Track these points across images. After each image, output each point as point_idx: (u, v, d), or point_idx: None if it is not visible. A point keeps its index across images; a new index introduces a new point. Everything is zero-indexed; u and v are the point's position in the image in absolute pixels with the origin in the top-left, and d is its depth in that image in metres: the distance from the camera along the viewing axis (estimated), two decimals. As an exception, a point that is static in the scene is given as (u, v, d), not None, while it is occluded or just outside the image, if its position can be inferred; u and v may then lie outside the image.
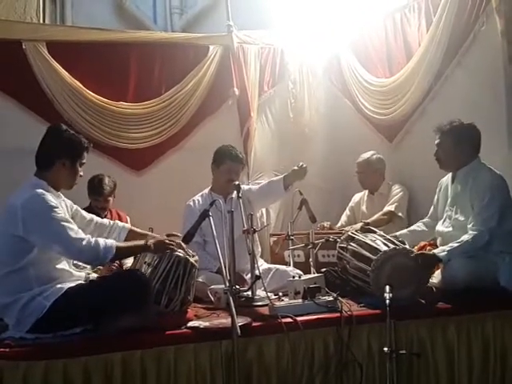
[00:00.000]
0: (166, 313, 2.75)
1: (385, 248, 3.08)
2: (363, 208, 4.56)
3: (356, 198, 4.68)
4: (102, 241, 2.63)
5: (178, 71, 4.76)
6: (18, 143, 4.10)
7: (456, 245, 3.11)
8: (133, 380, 2.51)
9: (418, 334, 2.92)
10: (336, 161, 5.08)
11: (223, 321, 2.73)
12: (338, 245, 3.46)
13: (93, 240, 2.61)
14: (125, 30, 5.22)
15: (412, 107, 4.35)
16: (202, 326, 2.66)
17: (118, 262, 3.62)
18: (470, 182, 3.28)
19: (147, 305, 2.62)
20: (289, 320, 2.73)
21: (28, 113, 4.39)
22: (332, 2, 5.05)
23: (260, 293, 3.26)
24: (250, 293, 3.18)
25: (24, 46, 4.36)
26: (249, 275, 3.47)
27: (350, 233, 3.48)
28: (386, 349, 2.57)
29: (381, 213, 4.28)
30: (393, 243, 3.14)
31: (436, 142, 3.39)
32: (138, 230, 3.16)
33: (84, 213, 2.95)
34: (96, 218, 2.99)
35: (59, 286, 2.61)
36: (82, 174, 2.81)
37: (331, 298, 2.95)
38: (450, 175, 3.47)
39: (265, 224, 4.69)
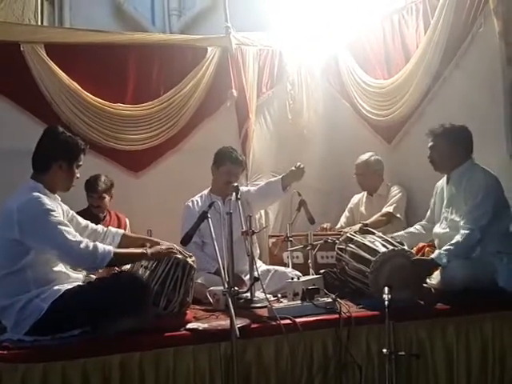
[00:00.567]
0: (165, 315, 2.74)
1: (383, 249, 3.08)
2: (362, 209, 4.56)
3: (355, 199, 4.69)
4: (100, 246, 2.63)
5: (177, 73, 4.76)
6: (16, 145, 4.09)
7: (451, 247, 3.11)
8: (131, 382, 2.50)
9: (417, 335, 2.92)
10: (334, 162, 5.09)
11: (222, 322, 2.73)
12: (336, 246, 3.47)
13: (91, 244, 2.60)
14: (123, 31, 5.21)
15: (410, 109, 4.35)
16: (200, 328, 2.66)
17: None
18: (464, 182, 3.30)
19: (146, 307, 2.62)
20: (288, 321, 2.73)
21: (26, 114, 4.38)
22: (330, 4, 5.05)
23: (259, 294, 3.26)
24: (248, 294, 3.17)
25: (22, 48, 4.36)
26: (247, 277, 3.47)
27: (348, 234, 3.48)
28: (384, 350, 2.56)
29: (379, 214, 4.29)
30: (391, 244, 3.14)
31: (429, 144, 3.42)
32: (132, 234, 3.18)
33: (79, 218, 2.94)
34: (91, 225, 2.98)
35: (57, 287, 2.61)
36: (78, 175, 2.80)
37: (330, 300, 2.95)
38: (444, 177, 3.48)
39: (263, 225, 4.69)
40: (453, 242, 3.14)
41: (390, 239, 3.24)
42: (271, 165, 5.01)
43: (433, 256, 3.15)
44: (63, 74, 4.44)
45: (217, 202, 2.93)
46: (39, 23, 5.42)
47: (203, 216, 2.77)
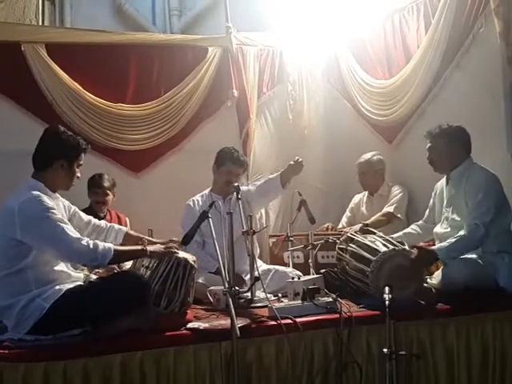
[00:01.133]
0: (166, 314, 2.75)
1: (384, 249, 3.08)
2: (363, 209, 4.56)
3: (356, 199, 4.69)
4: (100, 243, 2.63)
5: (177, 73, 4.76)
6: (17, 145, 4.08)
7: (453, 240, 3.11)
8: (132, 382, 2.50)
9: (418, 335, 2.92)
10: (335, 162, 5.08)
11: (223, 322, 2.73)
12: (337, 246, 3.47)
13: (91, 242, 2.60)
14: (124, 31, 5.22)
15: (411, 109, 4.35)
16: (201, 328, 2.66)
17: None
18: (464, 181, 3.31)
19: (147, 306, 2.62)
20: (288, 321, 2.73)
21: (27, 115, 4.38)
22: (331, 4, 5.05)
23: (259, 294, 3.27)
24: (249, 294, 3.18)
25: (23, 48, 4.36)
26: (248, 276, 3.47)
27: (349, 234, 3.48)
28: (385, 350, 2.56)
29: (380, 214, 4.29)
30: (392, 244, 3.14)
31: (427, 146, 3.43)
32: (135, 233, 3.18)
33: (82, 214, 2.95)
34: (94, 220, 2.99)
35: (58, 287, 2.61)
36: (79, 175, 2.81)
37: (330, 299, 2.95)
38: (444, 178, 3.49)
39: (264, 225, 4.69)
40: (456, 235, 3.13)
41: (390, 239, 3.24)
42: (272, 165, 5.00)
43: (434, 247, 3.14)
44: (64, 73, 4.44)
45: (217, 201, 2.93)
46: (40, 23, 5.44)
47: (204, 216, 2.78)
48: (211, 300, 3.27)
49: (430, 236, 3.53)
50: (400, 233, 3.63)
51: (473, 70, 3.88)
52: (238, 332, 2.30)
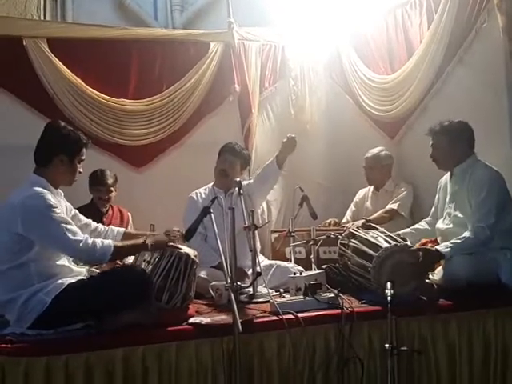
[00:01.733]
0: (167, 309, 2.75)
1: (386, 245, 3.08)
2: (367, 204, 4.55)
3: (361, 193, 4.67)
4: (98, 241, 2.64)
5: (179, 68, 4.75)
6: (19, 140, 4.08)
7: (459, 241, 3.11)
8: (134, 376, 2.51)
9: (419, 331, 2.92)
10: (337, 157, 5.08)
11: (224, 317, 2.73)
12: (339, 241, 3.46)
13: (90, 241, 2.61)
14: (125, 26, 5.21)
15: (413, 104, 4.34)
16: (203, 323, 2.66)
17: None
18: (468, 178, 3.29)
19: (148, 301, 2.63)
20: (290, 316, 2.73)
21: (29, 109, 4.39)
22: (333, -1, 5.04)
23: (261, 289, 3.27)
24: (251, 289, 3.18)
25: (25, 43, 4.35)
26: (250, 271, 3.47)
27: (351, 229, 3.48)
28: (387, 345, 2.56)
29: (383, 210, 4.27)
30: (394, 240, 3.14)
31: (430, 143, 3.41)
32: (133, 231, 3.19)
33: (81, 216, 2.95)
34: (93, 223, 2.99)
35: (60, 281, 2.62)
36: (81, 170, 2.81)
37: (332, 295, 2.95)
38: (448, 173, 3.48)
39: (266, 220, 4.69)
40: (461, 236, 3.13)
41: (392, 235, 3.24)
42: (273, 160, 5.00)
43: (438, 247, 3.14)
44: (66, 68, 4.44)
45: (219, 196, 2.93)
46: (42, 18, 5.44)
47: (205, 211, 2.77)
48: (213, 295, 3.27)
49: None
50: (408, 229, 3.63)
51: (475, 65, 3.86)
52: (240, 327, 2.30)
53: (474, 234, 3.11)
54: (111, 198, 4.19)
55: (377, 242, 3.15)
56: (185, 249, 2.88)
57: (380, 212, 4.26)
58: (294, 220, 3.64)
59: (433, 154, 3.42)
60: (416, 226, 3.66)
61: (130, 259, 3.17)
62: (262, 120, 4.99)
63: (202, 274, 3.46)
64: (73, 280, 2.64)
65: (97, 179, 4.12)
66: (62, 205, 2.76)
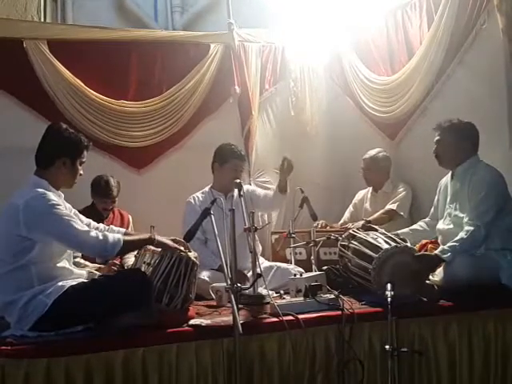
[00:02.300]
0: (168, 311, 2.74)
1: (386, 246, 3.08)
2: (366, 205, 4.56)
3: (359, 195, 4.68)
4: (109, 234, 2.65)
5: (179, 69, 4.76)
6: (20, 142, 4.09)
7: (456, 244, 3.11)
8: (134, 378, 2.50)
9: (420, 332, 2.92)
10: (337, 159, 5.08)
11: (225, 318, 2.73)
12: (339, 243, 3.46)
13: (100, 234, 2.63)
14: (126, 28, 5.22)
15: (414, 105, 4.34)
16: (203, 324, 2.66)
17: (119, 260, 3.64)
18: (469, 178, 3.30)
19: (149, 303, 2.63)
20: (290, 318, 2.73)
21: (29, 111, 4.39)
22: (333, 0, 5.04)
23: (261, 291, 3.26)
24: (251, 291, 3.17)
25: (25, 45, 4.36)
26: (250, 273, 3.46)
27: (351, 231, 3.48)
28: (387, 347, 2.57)
29: (382, 211, 4.28)
30: (394, 241, 3.14)
31: (436, 139, 3.41)
32: (133, 232, 3.20)
33: (81, 217, 2.95)
34: (92, 223, 2.99)
35: (60, 284, 2.61)
36: (82, 172, 2.81)
37: (333, 296, 2.95)
38: (449, 174, 3.48)
39: (266, 222, 4.69)
40: (457, 238, 3.13)
41: (392, 236, 3.24)
42: (274, 161, 4.98)
43: (436, 252, 3.14)
44: (66, 70, 4.45)
45: (219, 198, 2.92)
46: (42, 20, 5.43)
47: (206, 213, 2.77)
48: (213, 297, 3.27)
49: (436, 233, 3.52)
50: (407, 229, 3.63)
51: (476, 66, 3.86)
52: (241, 328, 2.30)
53: (470, 234, 3.11)
54: (114, 206, 4.20)
55: (377, 244, 3.15)
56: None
57: (379, 213, 4.27)
58: (294, 221, 3.64)
59: (437, 150, 3.41)
60: (414, 226, 3.66)
61: (131, 261, 3.18)
62: (262, 121, 5.00)
63: (203, 276, 3.46)
64: (73, 282, 2.64)
65: (102, 191, 4.06)
66: (64, 204, 2.76)
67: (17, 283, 2.58)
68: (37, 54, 4.38)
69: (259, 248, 3.95)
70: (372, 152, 4.47)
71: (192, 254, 2.88)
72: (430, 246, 3.47)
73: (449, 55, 4.01)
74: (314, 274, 3.27)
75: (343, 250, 3.40)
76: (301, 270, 3.45)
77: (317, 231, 3.69)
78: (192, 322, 2.71)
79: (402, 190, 4.37)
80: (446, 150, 3.37)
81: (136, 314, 2.59)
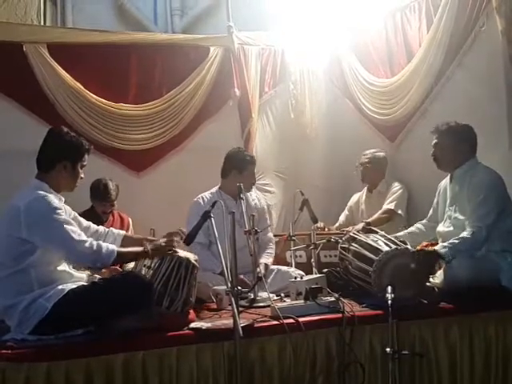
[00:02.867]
0: (168, 314, 2.74)
1: (386, 248, 3.08)
2: (362, 207, 4.58)
3: (355, 197, 4.71)
4: (103, 245, 2.64)
5: (179, 72, 4.77)
6: (20, 145, 4.10)
7: (456, 241, 3.11)
8: (135, 381, 2.50)
9: (421, 335, 2.92)
10: (337, 161, 5.09)
11: (225, 322, 2.72)
12: (339, 245, 3.46)
13: (95, 243, 2.61)
14: (125, 31, 5.22)
15: (413, 107, 4.35)
16: (204, 327, 2.65)
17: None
18: (468, 180, 3.30)
19: (149, 306, 2.62)
20: (291, 321, 2.72)
21: (29, 115, 4.40)
22: (332, 3, 5.05)
23: (262, 294, 3.26)
24: (251, 294, 3.17)
25: (25, 48, 4.38)
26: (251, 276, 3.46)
27: (351, 233, 3.48)
28: (388, 349, 2.56)
29: (380, 211, 4.30)
30: (395, 243, 3.14)
31: (433, 142, 3.41)
32: (133, 235, 3.19)
33: (81, 220, 2.95)
34: (92, 226, 2.99)
35: (60, 287, 2.61)
36: (82, 175, 2.81)
37: (333, 299, 2.94)
38: (448, 176, 3.48)
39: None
40: (459, 236, 3.13)
41: (393, 238, 3.24)
42: (274, 164, 5.02)
43: (436, 247, 3.14)
44: (66, 73, 4.45)
45: (220, 201, 2.89)
46: (42, 23, 5.44)
47: (206, 216, 2.77)
48: (214, 300, 3.26)
49: (434, 235, 3.52)
50: (404, 231, 3.62)
51: (475, 68, 3.87)
52: (241, 332, 2.29)
53: (472, 234, 3.11)
54: (114, 210, 4.21)
55: (377, 246, 3.15)
56: (185, 253, 2.88)
57: (378, 213, 4.29)
58: (295, 224, 3.64)
59: (435, 153, 3.41)
60: (411, 229, 3.65)
61: (131, 264, 3.17)
62: (262, 124, 5.00)
63: (203, 279, 3.45)
64: (73, 286, 2.64)
65: (101, 195, 4.09)
66: (64, 208, 2.76)
67: (17, 287, 2.57)
68: (37, 58, 4.39)
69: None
70: (370, 151, 4.54)
71: (192, 257, 2.87)
72: (430, 248, 3.47)
73: (448, 57, 4.02)
74: (314, 276, 3.27)
75: (343, 252, 3.40)
76: (301, 272, 3.45)
77: (317, 234, 3.69)
78: (192, 325, 2.70)
79: (397, 188, 4.40)
80: (444, 152, 3.37)
81: (136, 317, 2.59)
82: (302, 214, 3.69)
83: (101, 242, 2.66)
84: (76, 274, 2.76)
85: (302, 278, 3.18)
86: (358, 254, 3.25)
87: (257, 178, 4.81)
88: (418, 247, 3.45)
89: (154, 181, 4.71)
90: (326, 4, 5.07)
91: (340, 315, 2.81)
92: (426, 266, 3.08)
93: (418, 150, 4.27)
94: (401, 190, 4.38)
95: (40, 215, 2.56)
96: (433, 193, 3.65)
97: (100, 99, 4.54)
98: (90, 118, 4.51)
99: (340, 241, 3.49)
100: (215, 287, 3.29)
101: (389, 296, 2.60)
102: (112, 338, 2.54)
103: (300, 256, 3.89)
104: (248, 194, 3.97)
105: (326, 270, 3.38)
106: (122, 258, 2.76)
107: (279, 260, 4.03)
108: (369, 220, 4.12)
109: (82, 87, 4.49)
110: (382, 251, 3.06)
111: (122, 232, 3.10)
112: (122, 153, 4.63)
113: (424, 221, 3.65)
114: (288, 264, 3.79)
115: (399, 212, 4.28)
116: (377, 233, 3.38)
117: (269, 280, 3.51)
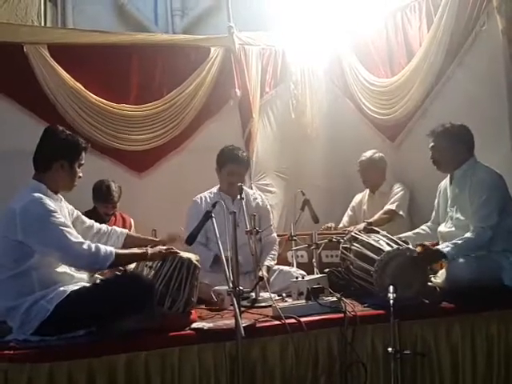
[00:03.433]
0: (170, 314, 2.74)
1: (388, 248, 3.08)
2: (364, 207, 4.58)
3: (357, 198, 4.70)
4: (102, 247, 2.62)
5: (180, 73, 4.77)
6: (20, 145, 4.08)
7: (459, 241, 3.11)
8: (137, 382, 2.50)
9: (422, 334, 2.91)
10: (338, 161, 5.09)
11: (227, 322, 2.72)
12: (341, 245, 3.46)
13: (93, 245, 2.60)
14: (126, 32, 5.23)
15: (414, 107, 4.35)
16: (205, 328, 2.65)
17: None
18: (468, 181, 3.30)
19: (151, 306, 2.62)
20: (292, 321, 2.73)
21: (30, 115, 4.40)
22: (333, 3, 5.05)
23: (263, 294, 3.26)
24: (253, 294, 3.17)
25: (25, 49, 4.38)
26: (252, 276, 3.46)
27: (353, 233, 3.48)
28: (390, 349, 2.56)
29: (382, 212, 4.30)
30: (396, 243, 3.14)
31: (430, 145, 3.41)
32: (136, 234, 3.19)
33: (84, 218, 2.94)
34: (95, 224, 2.98)
35: (62, 289, 2.60)
36: (81, 175, 2.78)
37: (335, 299, 2.94)
38: (448, 177, 3.48)
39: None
40: (463, 237, 3.13)
41: (394, 238, 3.24)
42: (275, 164, 5.02)
43: (439, 247, 3.14)
44: (66, 74, 4.46)
45: (221, 201, 2.90)
46: (42, 24, 5.44)
47: (207, 216, 2.77)
48: (215, 300, 3.26)
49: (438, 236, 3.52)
50: (410, 232, 3.63)
51: (475, 67, 3.87)
52: (243, 332, 2.29)
53: (476, 235, 3.11)
54: (116, 211, 4.22)
55: (379, 246, 3.15)
56: (187, 254, 2.88)
57: (379, 213, 4.29)
58: (296, 224, 3.64)
59: (433, 156, 3.42)
60: (417, 230, 3.66)
61: (132, 264, 3.17)
62: (263, 124, 5.01)
63: (205, 280, 3.45)
64: (75, 287, 2.63)
65: (103, 196, 4.11)
66: (63, 209, 2.75)
67: (18, 289, 2.57)
68: (37, 59, 4.40)
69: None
70: (368, 153, 4.51)
71: (194, 257, 2.88)
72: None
73: (448, 57, 4.02)
74: (315, 276, 3.27)
75: (345, 252, 3.40)
76: (303, 272, 3.45)
77: (318, 234, 3.69)
78: (194, 325, 2.70)
79: (399, 189, 4.40)
80: (442, 154, 3.37)
81: (138, 318, 2.58)
82: (303, 214, 3.68)
83: (99, 245, 2.65)
84: (77, 275, 2.75)
85: (303, 278, 3.18)
86: (359, 254, 3.25)
87: (258, 178, 4.86)
88: (418, 248, 3.46)
89: (155, 181, 4.72)
90: (326, 4, 5.07)
91: (342, 315, 2.81)
92: (427, 262, 3.08)
93: (418, 149, 4.26)
94: (402, 191, 4.38)
95: (35, 219, 2.54)
96: (434, 192, 3.65)
97: (101, 100, 4.54)
98: (90, 119, 4.51)
99: (341, 241, 3.49)
100: (216, 287, 3.29)
101: (390, 296, 2.60)
102: (114, 339, 2.54)
103: (301, 256, 3.89)
104: (250, 193, 3.97)
105: (327, 270, 3.38)
106: (121, 261, 2.73)
107: (281, 260, 4.02)
108: (370, 220, 4.12)
109: (82, 88, 4.49)
110: (383, 251, 3.06)
111: (125, 231, 3.10)
112: (123, 153, 4.63)
113: (429, 223, 3.65)
114: (289, 264, 3.79)
115: (400, 213, 4.28)
116: (378, 233, 3.39)
117: (270, 280, 3.51)
